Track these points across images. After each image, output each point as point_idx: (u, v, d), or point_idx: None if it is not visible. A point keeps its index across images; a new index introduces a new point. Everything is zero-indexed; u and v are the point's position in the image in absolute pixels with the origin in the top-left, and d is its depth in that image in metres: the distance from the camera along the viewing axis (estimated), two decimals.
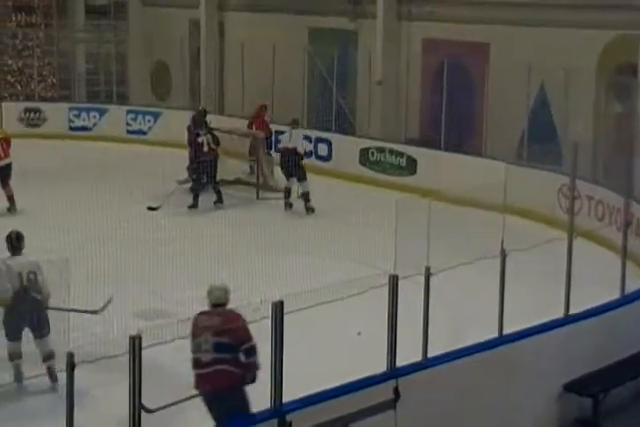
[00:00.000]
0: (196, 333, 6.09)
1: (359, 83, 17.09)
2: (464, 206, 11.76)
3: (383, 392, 5.99)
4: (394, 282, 6.06)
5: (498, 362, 6.69)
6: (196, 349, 6.08)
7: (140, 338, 5.07)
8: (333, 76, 16.98)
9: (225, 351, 6.00)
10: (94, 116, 19.57)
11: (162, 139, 18.25)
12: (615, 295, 7.94)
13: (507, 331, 6.90)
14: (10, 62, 20.87)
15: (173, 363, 7.49)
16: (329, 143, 16.31)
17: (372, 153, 15.78)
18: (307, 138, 15.11)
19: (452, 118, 14.97)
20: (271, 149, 15.77)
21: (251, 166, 15.40)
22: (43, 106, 19.80)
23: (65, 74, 21.25)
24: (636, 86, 12.82)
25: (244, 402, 5.94)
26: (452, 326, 8.59)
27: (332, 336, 8.47)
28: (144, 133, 19.26)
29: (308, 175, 13.86)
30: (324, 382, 5.86)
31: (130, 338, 5.07)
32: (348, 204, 13.99)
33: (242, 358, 5.98)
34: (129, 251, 10.92)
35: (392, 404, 6.00)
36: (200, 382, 6.11)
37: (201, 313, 6.23)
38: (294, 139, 14.06)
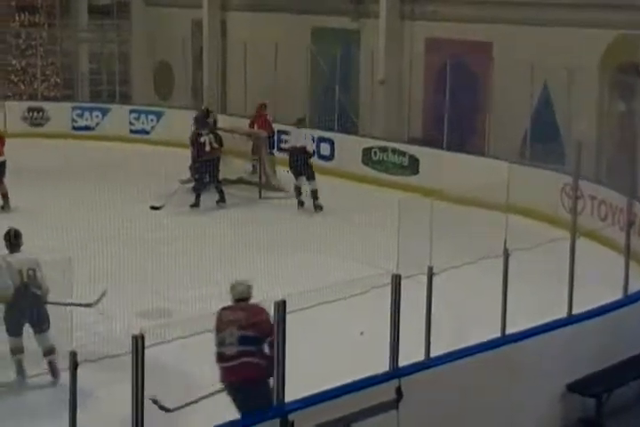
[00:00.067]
0: (220, 327, 6.16)
1: (362, 82, 17.08)
2: (467, 206, 11.74)
3: (385, 392, 5.98)
4: (396, 282, 6.05)
5: (501, 362, 6.68)
6: (221, 343, 6.16)
7: (142, 337, 5.07)
8: (336, 76, 16.97)
9: (250, 344, 6.07)
10: (97, 116, 19.59)
11: (164, 138, 18.25)
12: (618, 295, 7.92)
13: (510, 331, 6.88)
14: (13, 62, 20.88)
15: (176, 362, 7.50)
16: (331, 143, 16.30)
17: (375, 152, 15.77)
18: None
19: (455, 118, 14.95)
20: (274, 148, 15.77)
21: (253, 166, 15.39)
22: (46, 105, 19.81)
23: (68, 73, 21.26)
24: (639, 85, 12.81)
25: (268, 394, 5.98)
26: (454, 325, 8.58)
27: (335, 336, 8.46)
28: (147, 133, 19.27)
29: None
30: (327, 382, 5.86)
31: (132, 337, 5.07)
32: (350, 203, 13.98)
33: (266, 350, 6.04)
34: (131, 250, 10.92)
35: (394, 404, 6.00)
36: (226, 374, 6.17)
37: (224, 308, 6.32)
38: (301, 138, 14.11)
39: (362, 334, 8.51)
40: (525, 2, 14.45)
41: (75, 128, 19.53)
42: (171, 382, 6.94)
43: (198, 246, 11.05)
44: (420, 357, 6.37)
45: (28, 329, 7.79)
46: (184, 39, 19.93)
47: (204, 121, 14.89)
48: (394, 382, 6.03)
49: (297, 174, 13.90)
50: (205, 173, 13.96)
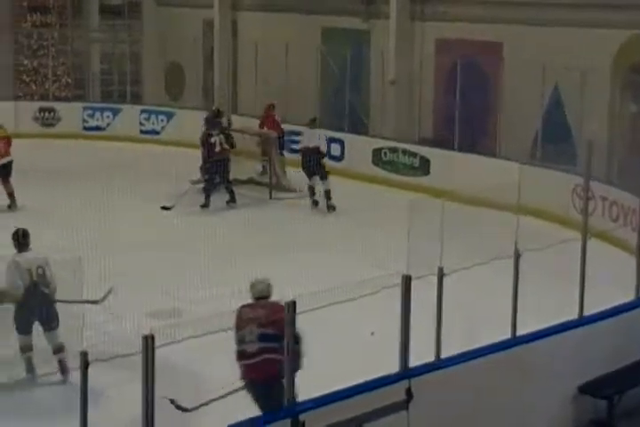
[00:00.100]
0: (240, 325, 6.19)
1: (372, 83, 17.07)
2: (478, 207, 11.71)
3: (396, 393, 5.97)
4: (406, 282, 6.04)
5: (512, 363, 6.66)
6: (241, 340, 6.20)
7: (153, 337, 5.07)
8: (346, 76, 16.96)
9: (270, 341, 6.11)
10: (108, 116, 19.63)
11: (175, 138, 18.28)
12: (630, 296, 7.89)
13: (521, 332, 6.86)
14: (25, 62, 20.95)
15: (186, 362, 7.51)
16: (341, 143, 16.29)
17: (385, 153, 15.75)
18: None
19: (466, 118, 14.93)
20: (283, 148, 15.77)
21: (263, 166, 15.40)
22: (57, 105, 19.87)
23: (79, 73, 21.31)
24: None
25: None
26: (464, 326, 8.54)
27: (345, 336, 8.46)
28: (157, 133, 19.30)
29: None
30: (337, 382, 5.85)
31: (143, 337, 5.07)
32: (360, 204, 13.97)
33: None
34: (141, 250, 10.94)
35: (404, 405, 5.98)
36: (247, 372, 6.21)
37: (244, 306, 6.35)
38: (314, 138, 14.13)
39: (372, 334, 8.50)
40: (536, 2, 14.41)
41: (86, 128, 19.58)
42: (181, 382, 6.94)
43: (208, 246, 11.05)
44: (431, 357, 6.36)
45: (37, 328, 7.82)
46: (195, 39, 19.96)
47: (214, 121, 14.90)
48: (404, 383, 6.01)
49: (310, 174, 13.94)
50: (216, 174, 13.98)
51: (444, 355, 6.39)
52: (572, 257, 7.52)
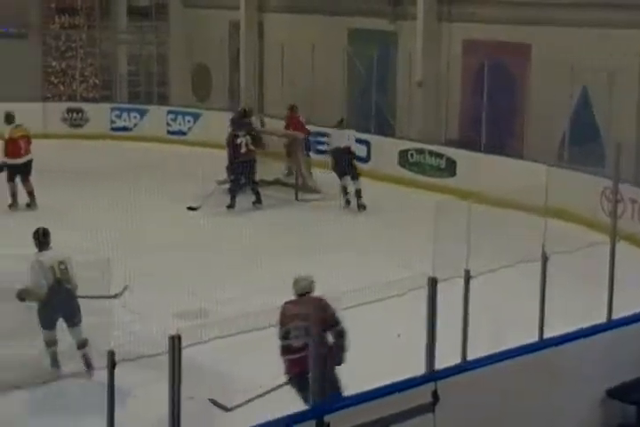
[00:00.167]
0: (284, 321, 6.30)
1: (399, 84, 17.03)
2: (504, 209, 11.64)
3: (422, 395, 5.94)
4: (432, 284, 6.01)
5: (540, 366, 6.61)
6: (286, 336, 6.26)
7: (179, 337, 5.08)
8: (373, 78, 16.94)
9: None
10: (135, 117, 19.74)
11: (201, 139, 18.35)
12: None
13: (548, 335, 6.81)
14: (53, 63, 21.12)
15: (213, 363, 7.52)
16: (368, 144, 16.27)
17: (412, 154, 15.71)
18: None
19: (493, 120, 14.86)
20: (310, 149, 15.78)
21: (289, 167, 15.42)
22: (85, 106, 20.02)
23: (107, 75, 21.46)
24: None
25: (336, 382, 6.05)
26: (491, 329, 8.50)
27: (372, 337, 8.43)
28: (184, 134, 19.38)
29: None
30: (363, 384, 5.84)
31: (169, 338, 5.09)
32: (387, 205, 13.95)
33: (330, 339, 6.19)
34: (168, 251, 10.98)
35: (431, 407, 5.96)
36: (292, 366, 6.30)
37: (287, 302, 6.48)
38: (344, 138, 14.17)
39: (399, 336, 8.47)
40: (564, 3, 14.31)
41: (113, 129, 19.71)
42: (207, 383, 6.96)
43: (235, 247, 11.09)
44: (457, 360, 6.33)
45: (60, 324, 7.91)
46: (221, 41, 20.03)
47: (240, 122, 14.94)
48: (430, 385, 5.99)
49: (341, 174, 14.00)
50: (241, 175, 14.01)
51: (470, 357, 6.35)
52: (601, 260, 7.45)
